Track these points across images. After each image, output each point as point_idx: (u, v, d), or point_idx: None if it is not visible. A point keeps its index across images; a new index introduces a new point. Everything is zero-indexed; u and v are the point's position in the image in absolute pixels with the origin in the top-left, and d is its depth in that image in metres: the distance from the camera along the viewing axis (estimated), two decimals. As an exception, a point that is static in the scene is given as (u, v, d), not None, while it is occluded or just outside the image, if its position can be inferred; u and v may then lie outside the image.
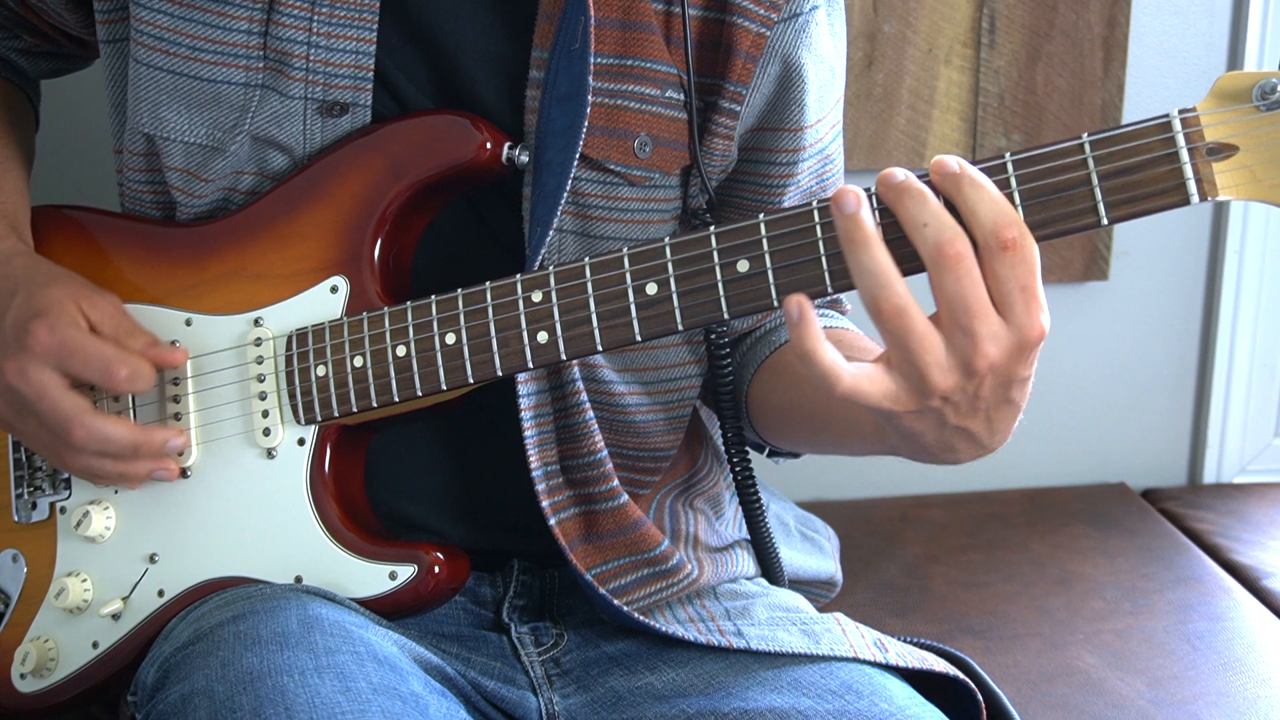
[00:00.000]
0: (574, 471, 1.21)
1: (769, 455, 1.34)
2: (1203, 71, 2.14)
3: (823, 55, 1.23)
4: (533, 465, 1.18)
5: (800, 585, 1.40)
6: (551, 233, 1.15)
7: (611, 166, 1.18)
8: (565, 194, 1.14)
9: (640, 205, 1.21)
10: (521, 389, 1.17)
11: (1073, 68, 2.09)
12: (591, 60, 1.12)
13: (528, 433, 1.18)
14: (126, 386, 1.14)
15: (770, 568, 1.34)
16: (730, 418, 1.27)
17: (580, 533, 1.21)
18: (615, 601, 1.18)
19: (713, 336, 1.24)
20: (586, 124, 1.12)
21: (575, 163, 1.13)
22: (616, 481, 1.21)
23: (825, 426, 1.17)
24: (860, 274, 0.91)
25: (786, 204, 1.27)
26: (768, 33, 1.18)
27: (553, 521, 1.19)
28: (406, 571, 1.13)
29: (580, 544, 1.21)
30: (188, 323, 1.20)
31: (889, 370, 0.93)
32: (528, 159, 1.16)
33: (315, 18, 1.15)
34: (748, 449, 1.30)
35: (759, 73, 1.19)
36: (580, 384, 1.20)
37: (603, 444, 1.20)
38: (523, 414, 1.17)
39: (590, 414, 1.20)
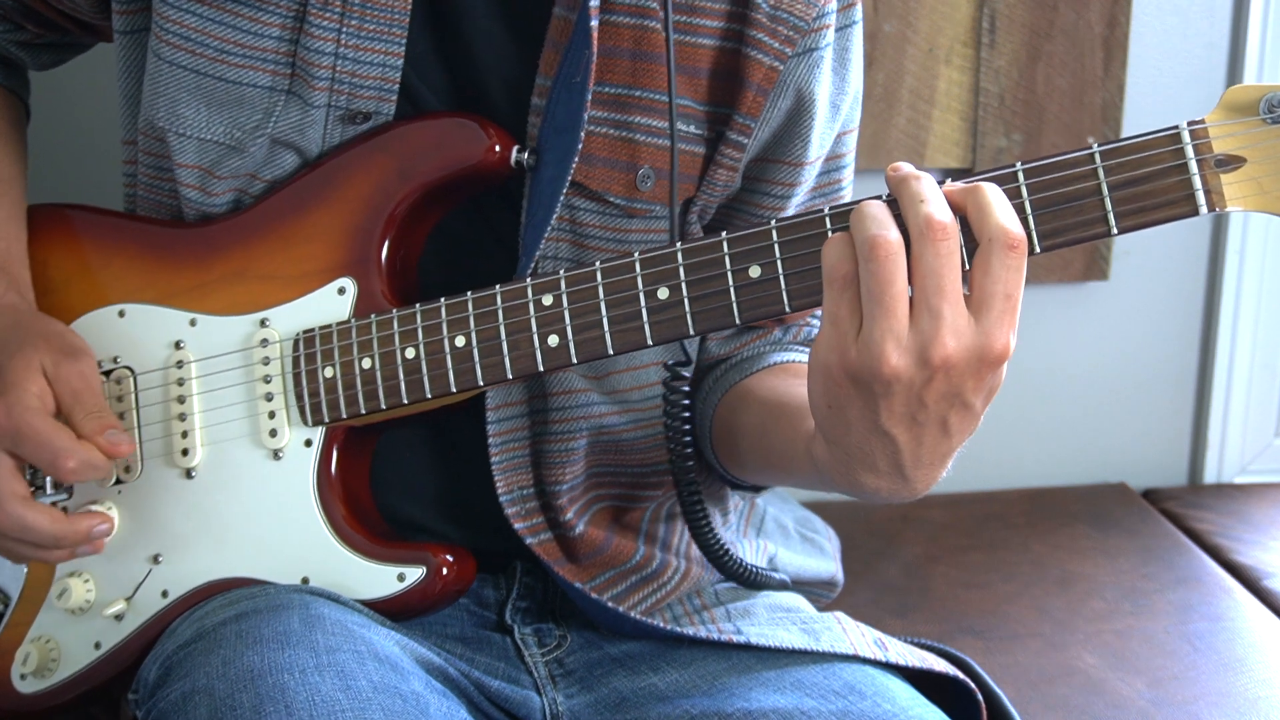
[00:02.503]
0: (546, 496, 1.22)
1: (733, 488, 1.33)
2: (1203, 71, 2.13)
3: (830, 94, 1.22)
4: (500, 489, 1.19)
5: (801, 586, 1.40)
6: (535, 262, 1.14)
7: (612, 199, 1.18)
8: (550, 226, 1.13)
9: (639, 236, 1.21)
10: (490, 415, 1.18)
11: (1073, 68, 2.09)
12: (589, 96, 1.11)
13: (495, 458, 1.18)
14: (72, 478, 1.13)
15: (734, 578, 1.31)
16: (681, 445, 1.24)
17: (563, 553, 1.22)
18: (610, 604, 1.19)
19: (674, 383, 1.20)
20: (577, 158, 1.12)
21: (562, 195, 1.13)
22: (572, 514, 1.22)
23: (770, 450, 1.17)
24: (861, 214, 0.92)
25: None
26: (781, 67, 1.17)
27: (530, 542, 1.20)
28: (415, 573, 1.13)
29: (566, 562, 1.22)
30: (192, 323, 1.20)
31: (853, 327, 0.92)
32: (534, 161, 1.16)
33: (344, 29, 1.15)
34: (693, 466, 1.25)
35: (769, 106, 1.19)
36: (562, 413, 1.20)
37: (569, 475, 1.21)
38: (490, 440, 1.18)
39: (559, 445, 1.21)
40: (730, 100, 1.19)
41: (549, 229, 1.14)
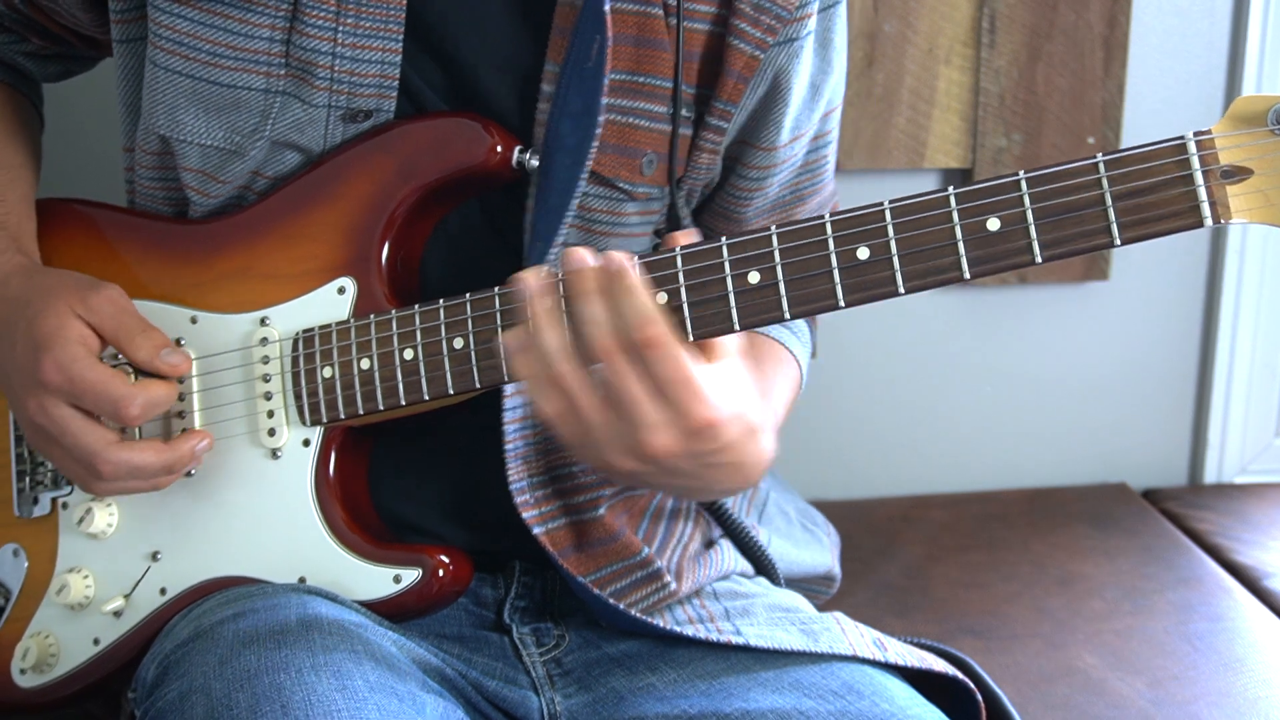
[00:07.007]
0: (563, 481, 1.21)
1: None
2: (1203, 71, 2.13)
3: (810, 75, 1.24)
4: (512, 477, 1.18)
5: (799, 582, 1.41)
6: (554, 250, 1.14)
7: (620, 184, 1.18)
8: (570, 212, 1.13)
9: (639, 220, 1.22)
10: (507, 402, 1.17)
11: (1073, 67, 2.08)
12: (606, 80, 1.11)
13: (509, 445, 1.18)
14: (138, 422, 1.13)
15: (754, 560, 1.33)
16: None
17: (571, 541, 1.21)
18: (612, 601, 1.19)
19: None
20: (597, 143, 1.12)
21: (583, 180, 1.13)
22: (594, 495, 1.22)
23: None
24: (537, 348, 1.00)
25: (751, 213, 1.30)
26: (761, 55, 1.18)
27: (538, 531, 1.19)
28: (411, 575, 1.13)
29: (572, 553, 1.21)
30: (193, 320, 1.20)
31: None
32: (538, 163, 1.16)
33: (340, 28, 1.15)
34: None
35: (749, 94, 1.20)
36: None
37: None
38: (506, 426, 1.18)
39: None
40: (712, 84, 1.20)
41: (568, 215, 1.14)
